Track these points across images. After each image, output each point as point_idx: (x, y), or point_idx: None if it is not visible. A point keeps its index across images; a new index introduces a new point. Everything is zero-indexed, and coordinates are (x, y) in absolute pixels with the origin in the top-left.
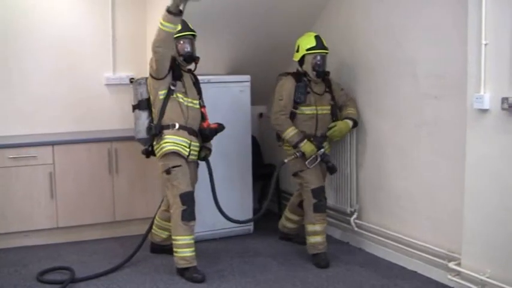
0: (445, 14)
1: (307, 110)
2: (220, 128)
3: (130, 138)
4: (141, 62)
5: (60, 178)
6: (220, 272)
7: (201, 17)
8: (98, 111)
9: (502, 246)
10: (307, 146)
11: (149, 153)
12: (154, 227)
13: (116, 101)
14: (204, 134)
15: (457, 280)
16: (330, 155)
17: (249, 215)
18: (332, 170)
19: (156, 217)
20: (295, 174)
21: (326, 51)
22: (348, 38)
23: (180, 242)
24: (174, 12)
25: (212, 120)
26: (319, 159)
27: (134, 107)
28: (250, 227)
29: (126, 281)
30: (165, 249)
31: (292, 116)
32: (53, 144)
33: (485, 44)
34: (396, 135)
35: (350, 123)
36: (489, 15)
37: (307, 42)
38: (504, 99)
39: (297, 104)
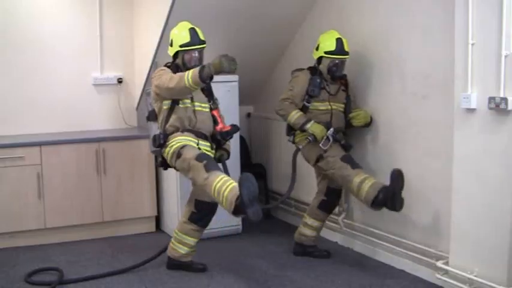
0: (433, 14)
1: (321, 106)
2: (233, 129)
3: (118, 139)
4: (128, 62)
5: (47, 179)
6: (209, 272)
7: (190, 17)
8: (85, 111)
9: (489, 245)
10: (315, 127)
11: (164, 164)
12: (173, 240)
13: (104, 101)
14: (216, 139)
15: (445, 279)
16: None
17: None
18: (347, 147)
19: (176, 230)
20: (317, 161)
21: (346, 56)
22: None
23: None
24: (205, 79)
25: None
26: (331, 139)
27: (147, 119)
28: (239, 227)
29: (115, 281)
30: (182, 266)
31: (304, 111)
32: (40, 144)
33: (472, 44)
34: (384, 135)
35: (369, 113)
36: (476, 15)
37: (327, 44)
38: (491, 99)
39: (310, 97)
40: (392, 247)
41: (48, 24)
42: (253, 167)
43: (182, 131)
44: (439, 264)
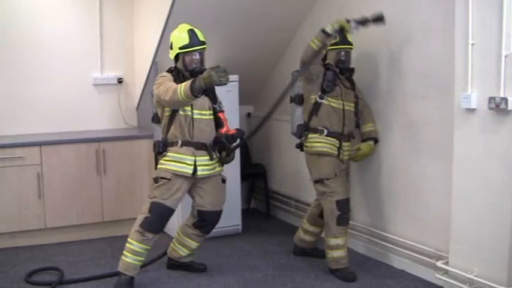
0: (433, 14)
1: (334, 103)
2: (238, 133)
3: (118, 139)
4: (128, 62)
5: (47, 179)
6: (209, 272)
7: (190, 17)
8: (85, 111)
9: (489, 245)
10: (336, 21)
11: None
12: (174, 241)
13: (104, 101)
14: (220, 142)
15: (445, 279)
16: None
17: (238, 214)
18: (379, 18)
19: (178, 231)
20: (318, 181)
21: (350, 46)
22: None
23: (129, 246)
24: (197, 92)
25: None
26: (354, 25)
27: (152, 120)
28: (238, 227)
29: (115, 281)
30: (182, 266)
31: (317, 108)
32: (40, 144)
33: (472, 44)
34: (384, 135)
35: (373, 144)
36: (476, 15)
37: None
38: (491, 99)
39: (324, 93)
40: (393, 247)
41: (48, 24)
42: (253, 167)
43: (181, 145)
44: (439, 264)
